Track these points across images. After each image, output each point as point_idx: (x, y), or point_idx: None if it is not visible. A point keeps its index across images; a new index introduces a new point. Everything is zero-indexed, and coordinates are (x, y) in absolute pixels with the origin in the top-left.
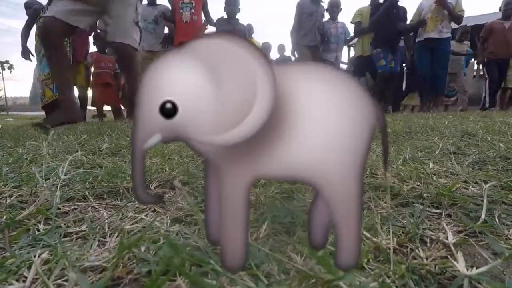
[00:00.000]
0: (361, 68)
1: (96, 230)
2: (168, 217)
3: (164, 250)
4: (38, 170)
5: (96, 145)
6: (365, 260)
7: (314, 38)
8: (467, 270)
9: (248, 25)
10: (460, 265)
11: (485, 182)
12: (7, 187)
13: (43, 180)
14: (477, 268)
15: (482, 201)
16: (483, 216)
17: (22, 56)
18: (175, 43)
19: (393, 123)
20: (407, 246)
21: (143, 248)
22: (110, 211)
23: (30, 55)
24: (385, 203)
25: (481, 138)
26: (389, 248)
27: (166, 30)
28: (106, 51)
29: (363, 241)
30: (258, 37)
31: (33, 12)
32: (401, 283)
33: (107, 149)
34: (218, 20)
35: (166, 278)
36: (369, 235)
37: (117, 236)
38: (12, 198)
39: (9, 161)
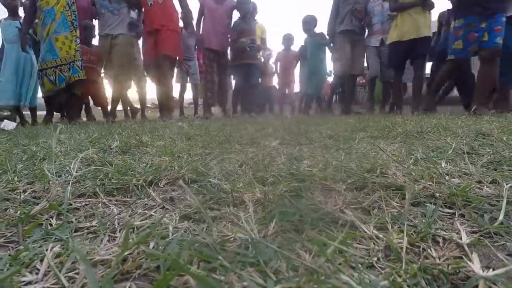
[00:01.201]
0: (396, 58)
1: (106, 225)
2: (177, 214)
3: (172, 246)
4: (51, 167)
5: (107, 143)
6: (376, 259)
7: (350, 22)
8: (483, 271)
9: (252, 3)
10: (476, 266)
11: (501, 182)
12: (21, 183)
13: (55, 177)
14: (493, 269)
15: (497, 201)
16: (501, 217)
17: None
18: (144, 30)
19: (404, 123)
20: (419, 246)
21: (152, 244)
22: (120, 208)
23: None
24: (397, 203)
25: (496, 138)
26: (401, 247)
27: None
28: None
29: (373, 240)
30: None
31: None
32: (412, 282)
33: (117, 148)
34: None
35: (175, 273)
36: (380, 234)
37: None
38: (26, 194)
39: (24, 158)
